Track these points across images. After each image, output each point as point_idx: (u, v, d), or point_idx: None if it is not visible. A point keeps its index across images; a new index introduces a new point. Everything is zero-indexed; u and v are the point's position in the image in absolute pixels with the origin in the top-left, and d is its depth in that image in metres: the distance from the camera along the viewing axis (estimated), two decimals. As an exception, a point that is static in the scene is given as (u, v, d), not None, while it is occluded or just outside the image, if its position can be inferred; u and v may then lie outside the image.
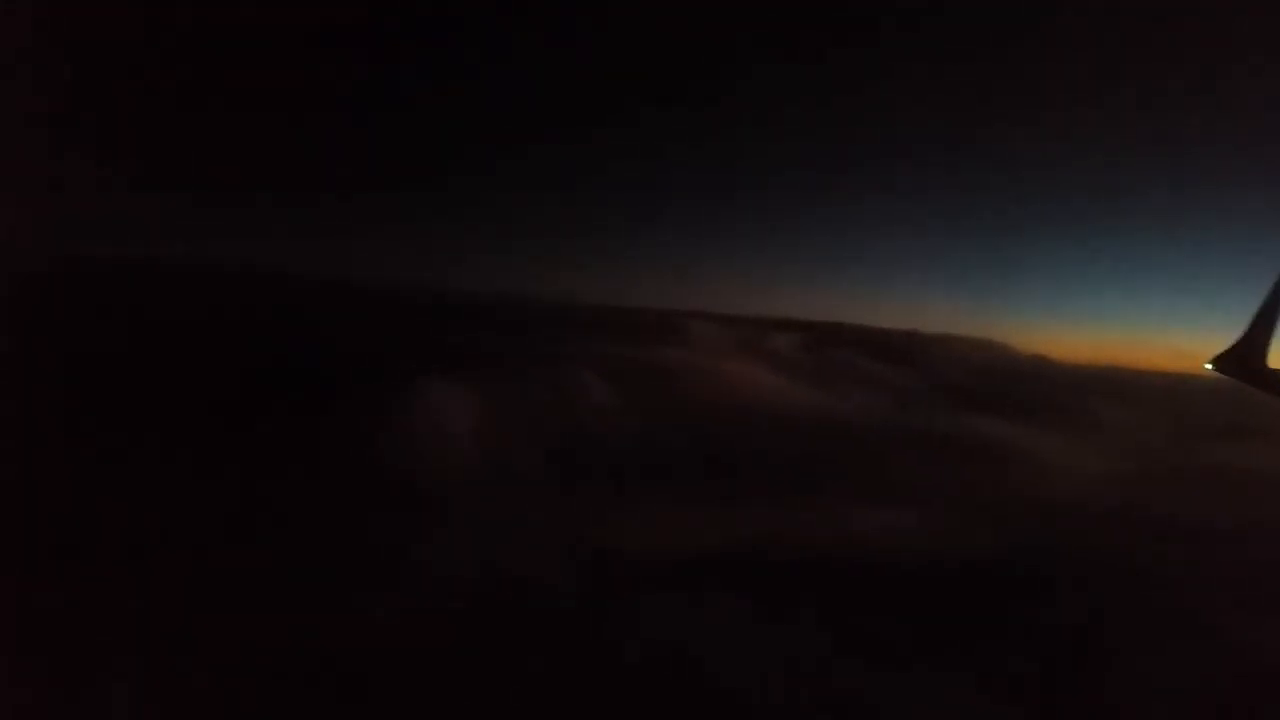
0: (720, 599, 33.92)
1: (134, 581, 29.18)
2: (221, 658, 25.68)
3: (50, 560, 29.74)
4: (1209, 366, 16.23)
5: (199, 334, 76.45)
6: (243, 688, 24.59)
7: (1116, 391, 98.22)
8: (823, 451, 63.73)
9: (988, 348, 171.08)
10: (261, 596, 29.88)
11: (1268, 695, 29.72)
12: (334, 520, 38.09)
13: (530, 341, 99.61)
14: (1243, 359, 15.61)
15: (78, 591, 27.85)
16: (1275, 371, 15.35)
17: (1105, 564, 41.72)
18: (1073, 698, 29.26)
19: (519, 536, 39.21)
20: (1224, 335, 16.23)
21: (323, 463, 46.00)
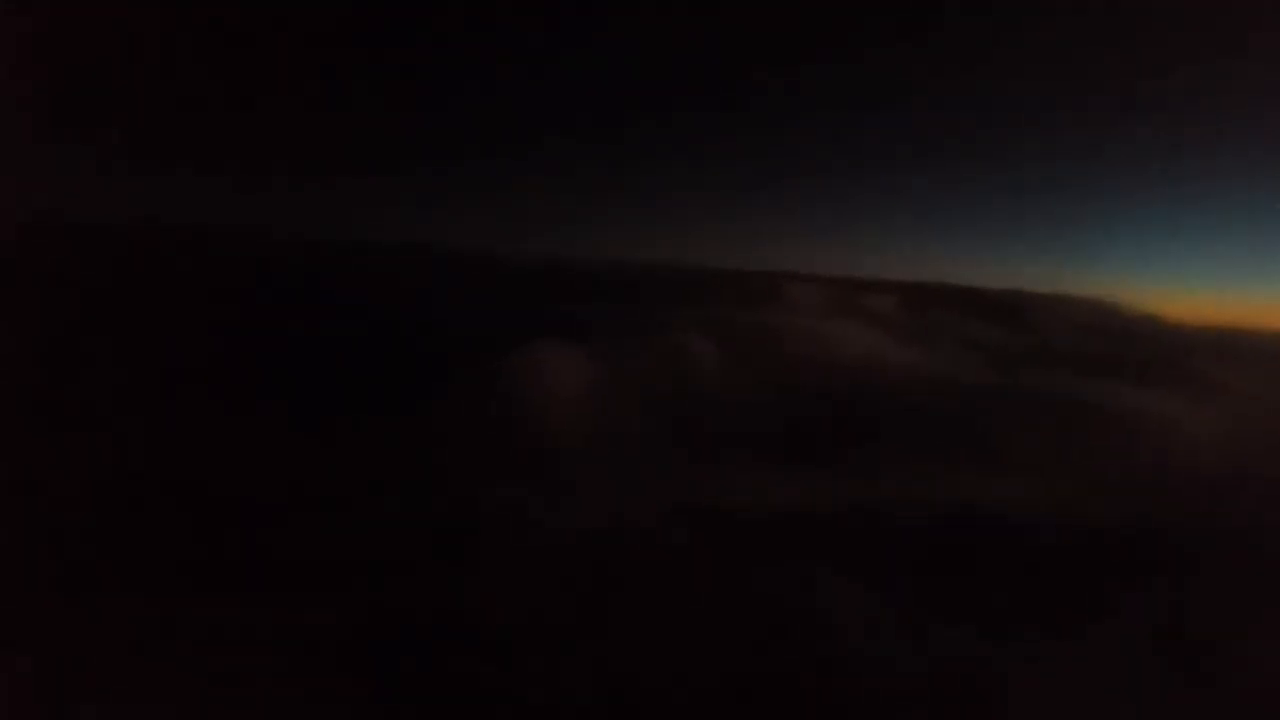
0: (830, 565, 33.87)
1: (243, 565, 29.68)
2: (348, 629, 26.27)
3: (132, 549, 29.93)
4: None
5: (308, 305, 79.29)
6: (375, 651, 25.35)
7: (1232, 353, 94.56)
8: (932, 415, 63.00)
9: (1095, 307, 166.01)
10: (383, 567, 30.69)
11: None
12: (451, 488, 38.93)
13: (633, 307, 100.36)
14: None
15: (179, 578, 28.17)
16: None
17: (1226, 533, 40.43)
18: (1187, 672, 28.74)
19: (631, 502, 39.67)
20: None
21: (439, 432, 47.19)
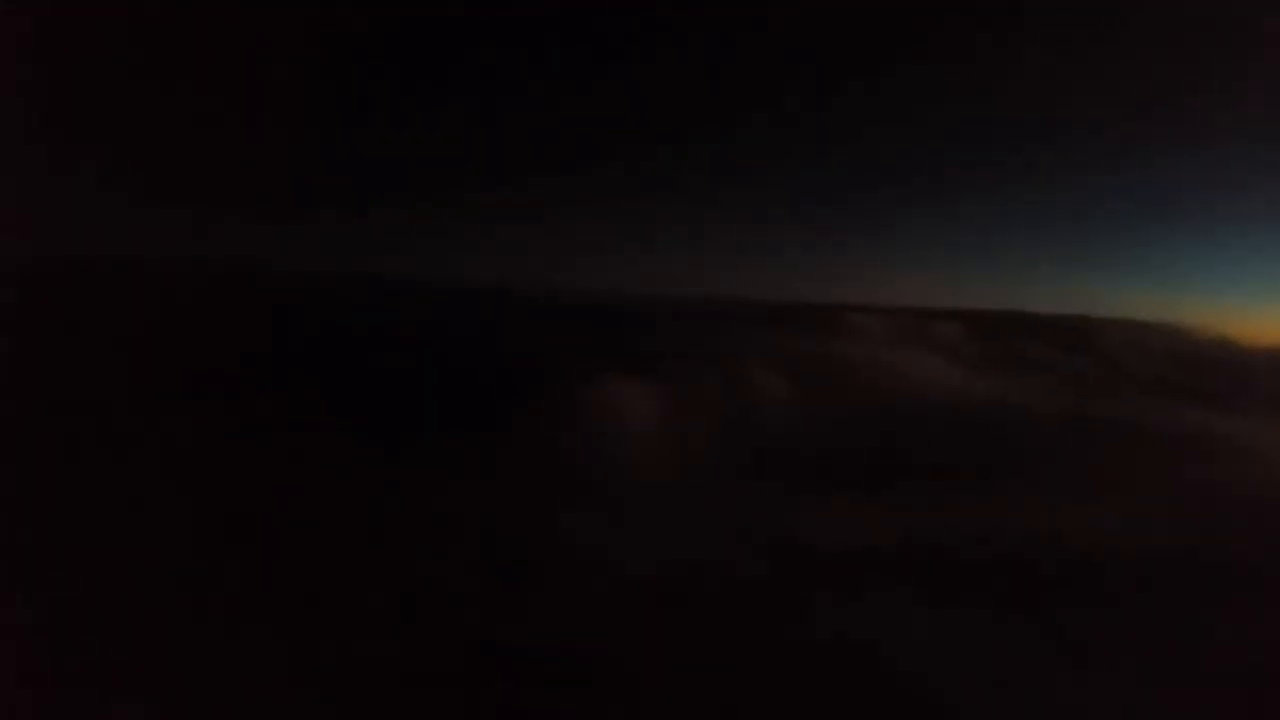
0: (902, 594, 33.89)
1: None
2: (402, 657, 26.49)
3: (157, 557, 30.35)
4: None
5: (377, 343, 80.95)
6: (428, 685, 25.48)
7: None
8: (1003, 444, 62.99)
9: (1165, 332, 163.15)
10: (446, 596, 31.14)
11: None
12: (519, 520, 39.35)
13: (698, 340, 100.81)
14: None
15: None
16: None
17: None
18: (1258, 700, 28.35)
19: (700, 532, 39.89)
20: None
21: (506, 465, 47.70)
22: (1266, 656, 30.64)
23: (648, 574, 34.43)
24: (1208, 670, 29.44)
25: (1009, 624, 31.83)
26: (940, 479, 51.30)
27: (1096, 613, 33.40)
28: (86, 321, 70.42)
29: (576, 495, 43.70)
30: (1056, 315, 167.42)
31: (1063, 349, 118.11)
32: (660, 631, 29.78)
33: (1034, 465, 56.60)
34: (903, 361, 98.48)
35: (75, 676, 22.90)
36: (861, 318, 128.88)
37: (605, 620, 30.21)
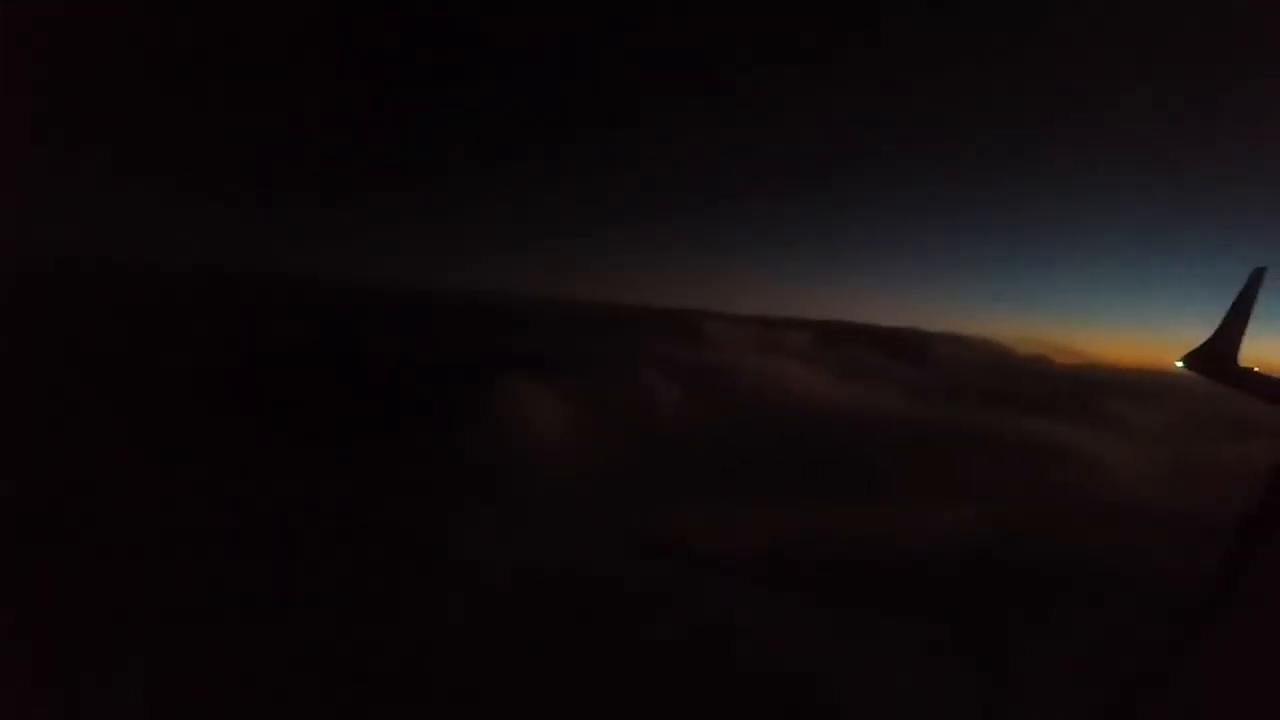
0: (758, 589, 35.84)
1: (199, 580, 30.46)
2: (280, 650, 27.08)
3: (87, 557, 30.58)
4: (1180, 365, 16.01)
5: (266, 340, 79.67)
6: (311, 677, 26.22)
7: (1122, 390, 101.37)
8: (855, 449, 66.60)
9: (989, 347, 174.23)
10: (333, 592, 31.89)
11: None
12: (408, 516, 40.42)
13: (544, 339, 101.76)
14: (1212, 357, 15.32)
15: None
16: (1244, 369, 14.86)
17: (1123, 559, 43.02)
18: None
19: (567, 527, 41.61)
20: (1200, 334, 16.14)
21: (395, 461, 48.77)
22: (1085, 642, 32.60)
23: (520, 573, 35.32)
24: (1039, 660, 31.53)
25: (855, 620, 33.64)
26: (800, 483, 53.83)
27: (938, 608, 35.45)
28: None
29: (456, 496, 44.50)
30: (890, 327, 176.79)
31: (903, 360, 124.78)
32: (529, 629, 30.89)
33: (879, 468, 59.97)
34: (761, 369, 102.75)
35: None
36: (718, 324, 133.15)
37: (476, 618, 31.18)
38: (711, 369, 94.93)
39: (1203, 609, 6.34)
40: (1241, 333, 15.24)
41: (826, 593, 36.24)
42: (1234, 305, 15.49)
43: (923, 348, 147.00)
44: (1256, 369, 14.60)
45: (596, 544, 39.87)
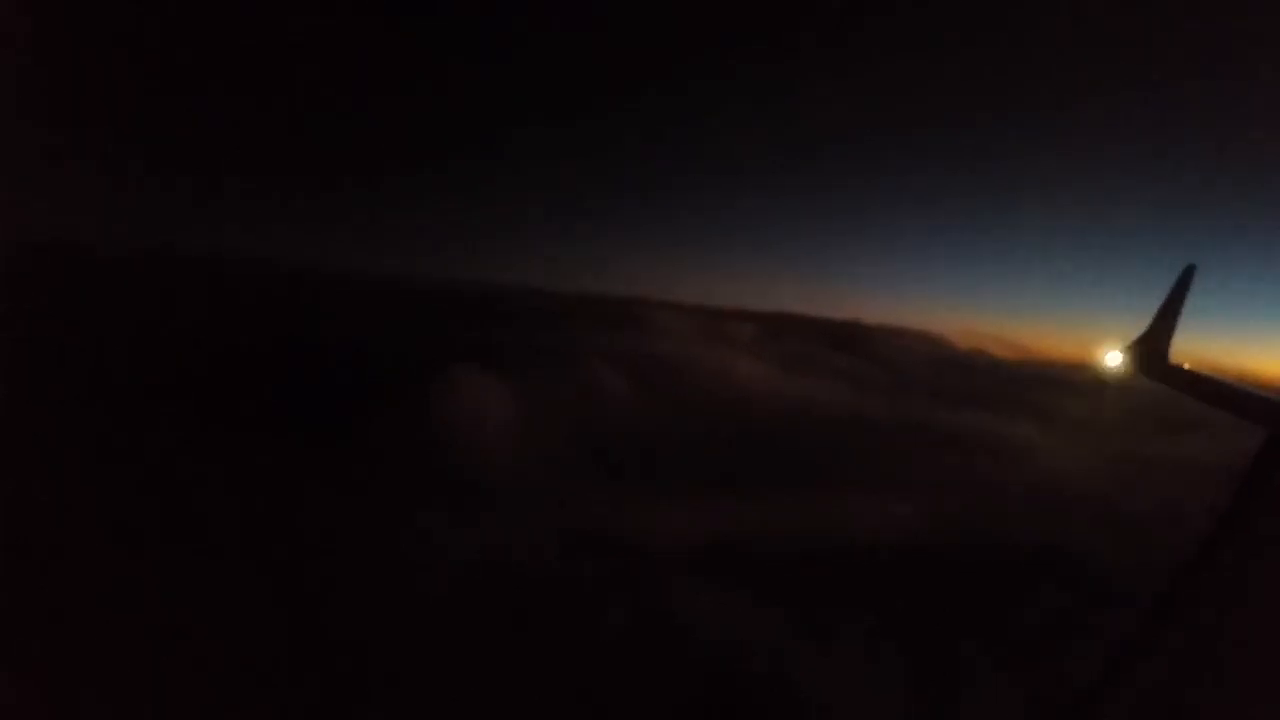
0: (699, 581, 36.19)
1: (146, 578, 29.75)
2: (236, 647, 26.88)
3: (65, 557, 29.95)
4: (1112, 361, 16.12)
5: (213, 328, 78.15)
6: (263, 672, 26.01)
7: (1060, 384, 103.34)
8: (797, 440, 67.28)
9: (930, 340, 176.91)
10: (282, 587, 31.43)
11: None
12: (344, 508, 40.00)
13: (493, 328, 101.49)
14: (1144, 354, 15.40)
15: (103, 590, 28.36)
16: (1175, 366, 14.87)
17: (1062, 550, 43.71)
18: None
19: (508, 520, 41.41)
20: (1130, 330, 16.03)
21: (339, 453, 48.15)
22: (1025, 634, 33.84)
23: (459, 568, 35.35)
24: (979, 651, 32.45)
25: (797, 612, 33.99)
26: (737, 472, 54.42)
27: (879, 600, 35.95)
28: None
29: (395, 488, 44.29)
30: (833, 320, 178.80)
31: (847, 352, 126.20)
32: (469, 624, 30.89)
33: (822, 460, 60.71)
34: (702, 358, 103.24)
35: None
36: (663, 313, 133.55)
37: (416, 612, 31.12)
38: (656, 359, 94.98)
39: (1169, 605, 6.29)
40: (1172, 330, 15.29)
41: (768, 585, 36.40)
42: (1165, 303, 15.56)
43: (865, 340, 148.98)
44: (1187, 365, 14.62)
45: (537, 537, 39.81)
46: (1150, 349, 15.33)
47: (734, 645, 31.67)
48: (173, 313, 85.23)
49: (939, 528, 46.67)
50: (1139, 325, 15.96)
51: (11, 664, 22.47)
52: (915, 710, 30.31)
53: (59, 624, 25.79)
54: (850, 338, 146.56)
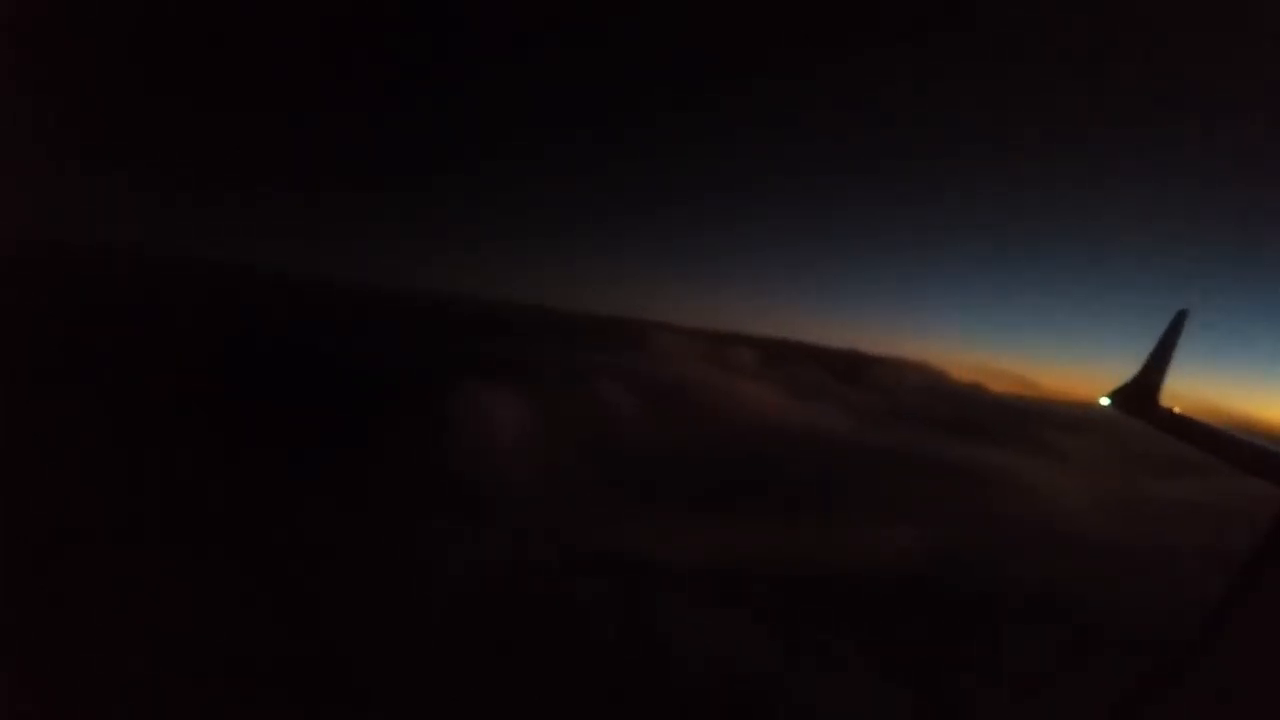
0: (698, 604, 36.09)
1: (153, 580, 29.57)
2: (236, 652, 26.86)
3: (60, 556, 29.87)
4: (1104, 402, 16.16)
5: (222, 337, 78.45)
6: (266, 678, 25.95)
7: (1053, 420, 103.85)
8: (796, 466, 67.61)
9: (926, 372, 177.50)
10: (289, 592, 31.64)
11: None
12: (348, 521, 39.87)
13: (498, 345, 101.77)
14: (1135, 396, 15.48)
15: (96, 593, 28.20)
16: (1165, 410, 14.97)
17: (1059, 584, 43.32)
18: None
19: (511, 538, 41.32)
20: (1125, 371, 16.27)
21: (345, 464, 48.21)
22: (1023, 667, 33.54)
23: (461, 584, 35.17)
24: (976, 683, 32.50)
25: (795, 638, 33.96)
26: (736, 497, 54.18)
27: (876, 628, 35.89)
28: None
29: (399, 501, 44.24)
30: (832, 348, 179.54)
31: (847, 380, 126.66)
32: (471, 639, 30.73)
33: (819, 486, 60.84)
34: (704, 382, 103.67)
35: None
36: (667, 336, 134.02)
37: (419, 624, 31.01)
38: (659, 381, 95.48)
39: (1186, 648, 6.42)
40: (1164, 373, 15.52)
41: (766, 609, 36.61)
42: (1157, 346, 15.77)
43: (863, 370, 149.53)
44: (1176, 409, 14.82)
45: (539, 554, 39.94)
46: (1141, 391, 15.50)
47: (728, 666, 31.66)
48: (182, 320, 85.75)
49: (936, 557, 46.80)
50: (1137, 363, 16.14)
51: (11, 664, 22.58)
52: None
53: (59, 623, 25.94)
54: (849, 367, 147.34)
